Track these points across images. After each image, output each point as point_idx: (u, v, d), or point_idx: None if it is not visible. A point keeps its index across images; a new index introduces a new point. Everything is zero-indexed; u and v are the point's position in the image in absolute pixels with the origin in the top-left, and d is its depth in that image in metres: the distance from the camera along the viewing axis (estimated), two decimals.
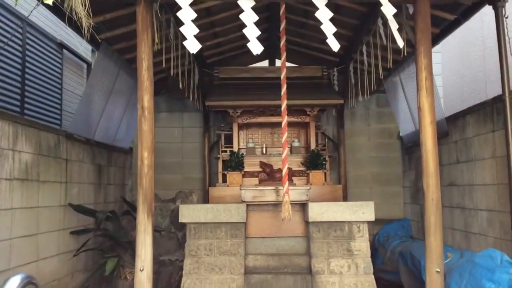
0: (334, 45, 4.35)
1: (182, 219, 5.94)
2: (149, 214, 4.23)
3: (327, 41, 4.33)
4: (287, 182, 5.27)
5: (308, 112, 7.52)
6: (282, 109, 5.33)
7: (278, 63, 8.94)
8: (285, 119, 5.35)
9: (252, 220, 6.39)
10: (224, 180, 7.48)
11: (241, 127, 7.93)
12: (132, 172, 9.20)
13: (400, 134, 9.21)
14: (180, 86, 6.50)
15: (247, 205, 6.25)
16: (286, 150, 5.38)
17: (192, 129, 9.37)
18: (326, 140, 7.92)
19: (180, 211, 5.95)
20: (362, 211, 5.92)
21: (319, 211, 5.92)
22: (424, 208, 4.68)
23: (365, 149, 9.32)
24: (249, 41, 4.18)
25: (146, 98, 4.26)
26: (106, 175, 7.76)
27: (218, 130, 8.74)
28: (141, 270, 4.14)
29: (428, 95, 4.37)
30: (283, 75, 5.34)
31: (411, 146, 8.60)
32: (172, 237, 6.70)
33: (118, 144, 8.28)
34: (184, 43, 4.07)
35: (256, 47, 4.16)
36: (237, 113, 7.52)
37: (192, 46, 4.04)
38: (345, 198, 8.76)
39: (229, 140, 8.08)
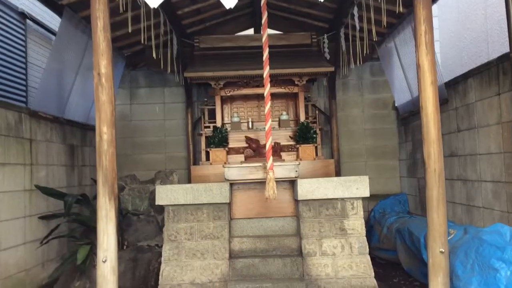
0: None
1: (159, 201, 5.41)
2: (111, 197, 3.68)
3: None
4: (271, 158, 4.73)
5: (296, 82, 6.95)
6: (264, 76, 4.77)
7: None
8: (267, 88, 4.79)
9: (237, 200, 5.88)
10: (208, 158, 6.94)
11: (224, 100, 7.36)
12: None
13: (396, 104, 8.67)
14: (154, 55, 5.89)
15: (232, 184, 5.73)
16: (269, 122, 4.82)
17: (174, 105, 8.79)
18: (317, 112, 7.36)
19: (156, 192, 5.41)
20: (356, 187, 5.41)
21: (309, 188, 5.40)
22: (425, 181, 4.15)
23: (359, 121, 8.79)
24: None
25: (103, 63, 3.67)
26: (80, 156, 7.20)
27: (202, 105, 8.17)
28: (104, 261, 3.61)
29: (429, 51, 3.82)
30: (264, 38, 4.76)
31: (407, 116, 8.07)
32: (152, 220, 6.18)
33: (93, 123, 7.67)
34: None
35: (229, 0, 3.57)
36: (219, 85, 6.94)
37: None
38: (338, 174, 8.26)
39: (213, 116, 7.51)
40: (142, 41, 5.47)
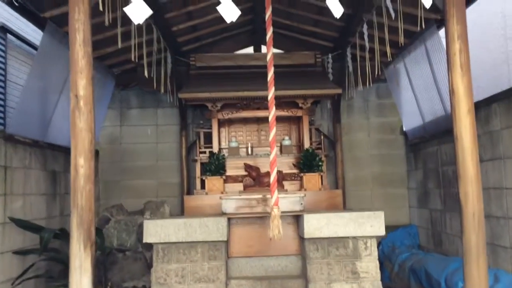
0: (337, 9, 3.22)
1: (148, 238, 4.78)
2: (87, 244, 3.06)
3: (328, 3, 3.20)
4: (276, 192, 4.14)
5: (300, 105, 6.40)
6: (269, 98, 4.20)
7: (264, 49, 7.80)
8: (272, 111, 4.22)
9: (235, 235, 5.26)
10: (203, 186, 6.33)
11: (222, 123, 6.79)
12: (99, 179, 8.01)
13: (404, 129, 8.13)
14: (146, 74, 5.35)
15: (229, 218, 5.11)
16: (275, 150, 4.25)
17: (167, 127, 8.20)
18: (322, 137, 6.80)
19: (144, 228, 4.79)
20: (370, 224, 4.81)
21: (317, 225, 4.80)
22: (461, 225, 3.56)
23: (365, 146, 8.24)
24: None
25: (82, 84, 3.09)
26: (63, 183, 6.57)
27: (197, 127, 7.59)
28: None
29: (464, 74, 3.29)
30: (269, 56, 4.21)
31: (417, 143, 7.52)
32: (139, 258, 5.53)
33: None
34: (126, 9, 2.93)
35: (230, 13, 3.03)
36: (216, 107, 6.37)
37: (137, 14, 2.90)
38: (343, 203, 7.66)
39: (209, 139, 6.92)
40: (133, 59, 4.91)
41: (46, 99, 5.80)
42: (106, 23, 3.82)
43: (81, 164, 3.08)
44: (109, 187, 8.01)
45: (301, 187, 6.16)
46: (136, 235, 5.73)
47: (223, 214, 5.18)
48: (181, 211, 7.76)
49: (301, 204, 5.21)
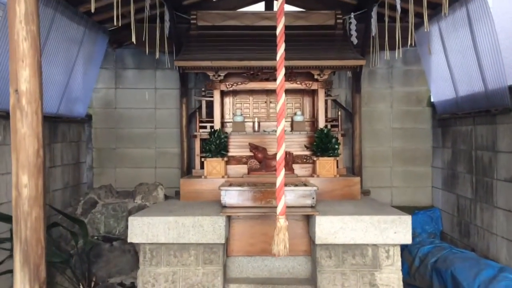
0: None
1: (133, 237, 4.12)
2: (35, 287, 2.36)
3: None
4: (282, 199, 3.37)
5: (315, 76, 5.49)
6: (278, 58, 3.36)
7: (277, 6, 6.80)
8: (281, 75, 3.37)
9: (235, 232, 4.58)
10: (204, 166, 5.57)
11: (225, 93, 5.94)
12: (91, 146, 7.31)
13: (432, 100, 7.22)
14: (133, 38, 4.53)
15: (229, 215, 4.41)
16: (282, 125, 3.37)
17: (167, 91, 7.38)
18: (339, 112, 5.93)
19: (129, 226, 4.12)
20: (394, 230, 4.07)
21: (330, 229, 4.08)
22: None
23: (386, 118, 7.36)
24: None
25: (25, 75, 2.28)
26: (48, 156, 5.88)
27: (198, 96, 6.75)
28: None
29: None
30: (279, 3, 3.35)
31: (448, 118, 6.64)
32: (127, 250, 4.90)
33: (66, 113, 6.34)
34: None
35: None
36: (219, 77, 5.50)
37: None
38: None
39: (212, 109, 6.09)
40: (117, 15, 4.05)
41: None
42: None
43: (25, 183, 2.32)
44: (103, 155, 7.33)
45: (313, 172, 5.38)
46: (125, 222, 5.06)
47: (222, 207, 4.48)
48: (175, 195, 7.09)
49: (313, 198, 4.48)
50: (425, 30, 5.49)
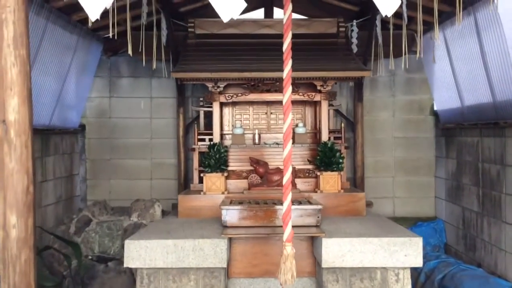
0: None
1: (129, 262, 3.90)
2: None
3: None
4: (289, 225, 3.18)
5: (318, 87, 5.30)
6: (285, 75, 3.17)
7: (277, 13, 6.61)
8: (288, 93, 3.20)
9: (237, 252, 4.38)
10: (202, 180, 5.36)
11: (225, 104, 5.73)
12: (85, 157, 7.08)
13: (435, 108, 7.06)
14: (130, 50, 4.32)
15: (230, 226, 4.22)
16: (289, 147, 3.18)
17: (163, 100, 7.18)
18: (342, 124, 5.74)
19: (125, 249, 3.90)
20: (404, 253, 3.89)
21: (338, 252, 3.89)
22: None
23: (388, 127, 7.20)
24: None
25: (13, 104, 2.07)
26: (39, 170, 5.65)
27: (196, 104, 6.56)
28: None
29: None
30: (286, 18, 3.16)
31: (452, 128, 6.47)
32: (123, 271, 4.68)
33: (59, 124, 6.12)
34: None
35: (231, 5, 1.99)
36: (218, 88, 5.30)
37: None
38: (359, 188, 6.73)
39: (211, 120, 5.87)
40: (112, 23, 3.85)
41: None
42: None
43: (13, 223, 2.11)
44: (96, 166, 7.10)
45: (316, 187, 5.19)
46: (121, 241, 4.87)
47: (223, 227, 4.28)
48: (173, 210, 6.88)
49: (318, 217, 4.29)
50: (435, 38, 5.34)
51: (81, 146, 7.01)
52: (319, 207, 4.31)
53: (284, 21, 3.23)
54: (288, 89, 3.20)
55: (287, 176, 3.17)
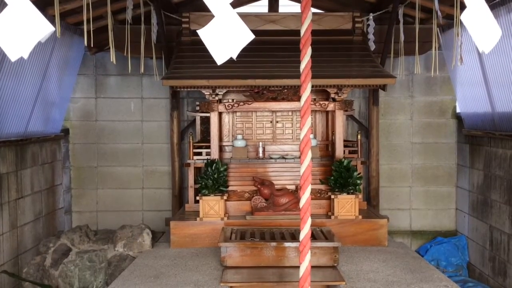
0: None
1: None
2: None
3: None
4: (308, 278, 2.49)
5: (332, 95, 4.58)
6: (302, 68, 2.41)
7: (282, 6, 5.82)
8: (307, 90, 2.42)
9: None
10: (198, 200, 4.68)
11: (224, 113, 5.01)
12: (69, 165, 6.38)
13: (458, 111, 6.35)
14: (111, 51, 3.65)
15: (231, 267, 3.56)
16: (308, 158, 2.43)
17: (155, 101, 6.46)
18: (358, 134, 5.03)
19: None
20: None
21: None
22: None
23: (405, 131, 6.49)
24: None
25: None
26: (14, 186, 4.96)
27: (191, 106, 5.84)
28: None
29: None
30: (306, 17, 2.40)
31: (480, 136, 5.76)
32: None
33: (38, 131, 5.43)
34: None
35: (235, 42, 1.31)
36: (217, 96, 4.57)
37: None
38: (376, 204, 6.06)
39: (208, 127, 5.17)
40: (93, 17, 3.12)
41: None
42: None
43: None
44: (82, 174, 6.42)
45: (330, 210, 4.51)
46: (103, 276, 4.19)
47: (223, 267, 3.61)
48: (172, 207, 6.22)
49: (336, 256, 3.62)
50: (457, 36, 4.60)
51: (64, 153, 6.30)
52: (337, 244, 3.64)
53: (303, 20, 2.44)
54: (307, 87, 2.39)
55: (305, 207, 2.43)
